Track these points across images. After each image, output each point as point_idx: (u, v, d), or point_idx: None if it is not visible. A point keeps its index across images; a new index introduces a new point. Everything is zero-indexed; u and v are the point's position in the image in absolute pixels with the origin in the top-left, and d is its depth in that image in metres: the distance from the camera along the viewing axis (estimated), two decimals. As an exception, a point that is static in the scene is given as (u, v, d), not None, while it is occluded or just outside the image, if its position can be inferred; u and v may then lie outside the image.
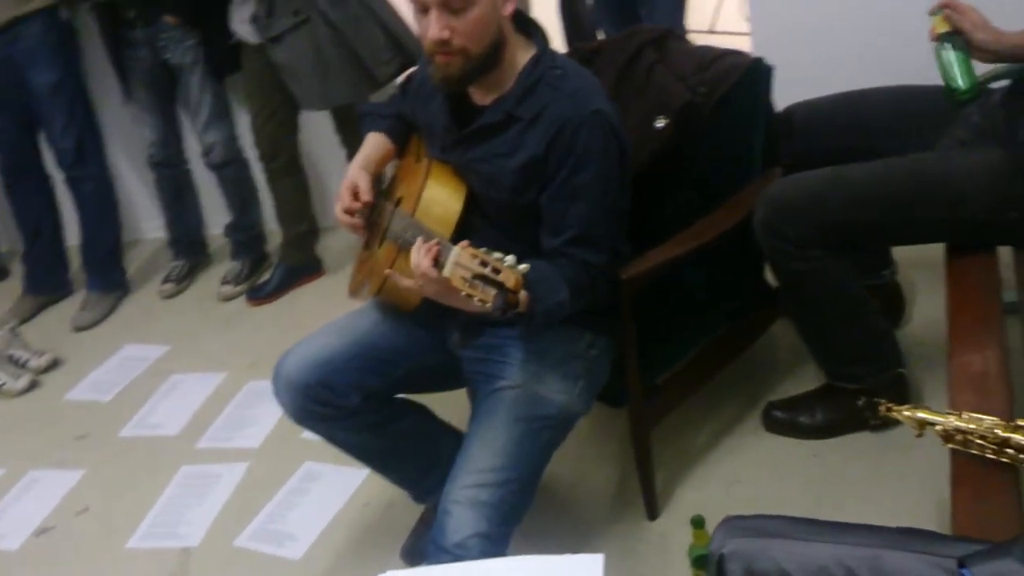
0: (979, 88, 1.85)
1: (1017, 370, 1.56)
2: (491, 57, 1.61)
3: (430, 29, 1.56)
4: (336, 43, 2.77)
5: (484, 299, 1.39)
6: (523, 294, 1.47)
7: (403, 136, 1.93)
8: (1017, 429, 1.34)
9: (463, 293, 1.41)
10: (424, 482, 1.99)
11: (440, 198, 1.72)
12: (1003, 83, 1.90)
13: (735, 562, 1.18)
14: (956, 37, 1.83)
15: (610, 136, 1.64)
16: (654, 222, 1.99)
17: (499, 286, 1.38)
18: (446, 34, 1.55)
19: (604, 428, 2.30)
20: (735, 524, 1.23)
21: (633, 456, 2.02)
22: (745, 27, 3.26)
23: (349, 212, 1.81)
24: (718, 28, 4.30)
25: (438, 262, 1.50)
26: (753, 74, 2.02)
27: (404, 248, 1.66)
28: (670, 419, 2.09)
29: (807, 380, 2.23)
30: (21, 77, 3.14)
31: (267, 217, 3.47)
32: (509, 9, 1.60)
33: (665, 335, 2.04)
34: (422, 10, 1.57)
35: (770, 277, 2.11)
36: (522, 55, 1.67)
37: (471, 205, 1.73)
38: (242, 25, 2.92)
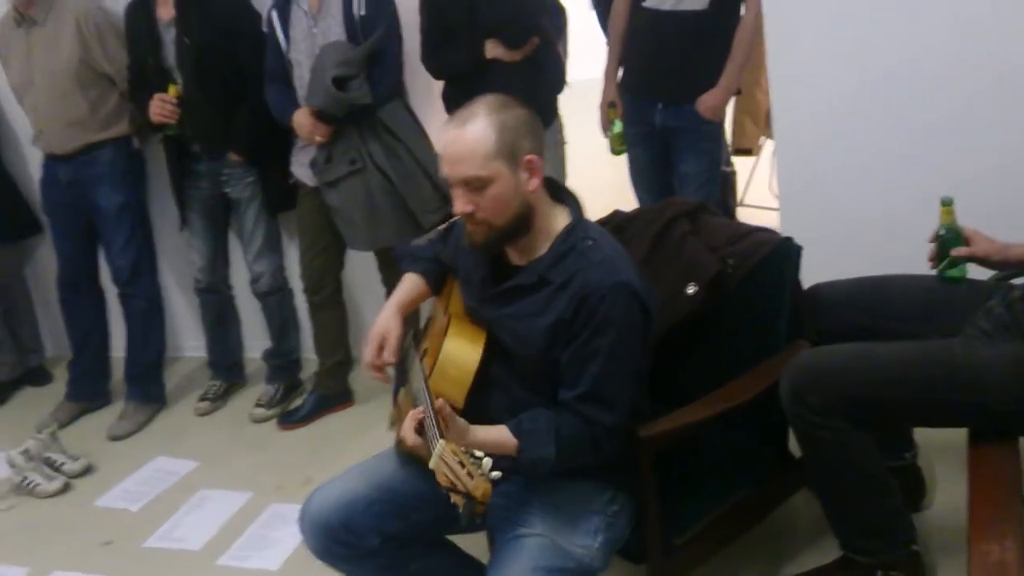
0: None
1: (1035, 563, 1.56)
2: (517, 227, 1.74)
3: (455, 203, 1.72)
4: (387, 192, 2.94)
5: (457, 502, 1.47)
6: (513, 441, 1.69)
7: (439, 278, 2.04)
8: (1030, 624, 1.35)
9: (442, 490, 1.49)
10: None
11: (456, 359, 1.80)
12: (1022, 280, 1.98)
13: None
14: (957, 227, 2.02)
15: (633, 304, 1.73)
16: (678, 383, 2.06)
17: (468, 496, 1.45)
18: (469, 208, 1.70)
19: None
20: None
21: (649, 616, 2.02)
22: (772, 202, 3.39)
23: (373, 367, 1.92)
24: (747, 201, 4.46)
25: (425, 438, 1.60)
26: (782, 251, 2.12)
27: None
28: (688, 581, 2.09)
29: (825, 552, 2.22)
30: (90, 197, 3.35)
31: (304, 346, 3.57)
32: (534, 185, 1.72)
33: (687, 495, 2.07)
34: (452, 185, 1.72)
35: (794, 446, 2.15)
36: (557, 221, 1.78)
37: (493, 357, 1.81)
38: (301, 168, 3.10)
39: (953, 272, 2.03)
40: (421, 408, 1.66)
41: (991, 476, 1.80)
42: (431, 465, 1.52)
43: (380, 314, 1.98)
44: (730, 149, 4.06)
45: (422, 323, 2.19)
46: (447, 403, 1.64)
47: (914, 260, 2.12)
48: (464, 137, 1.67)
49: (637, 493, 1.90)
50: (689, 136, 3.02)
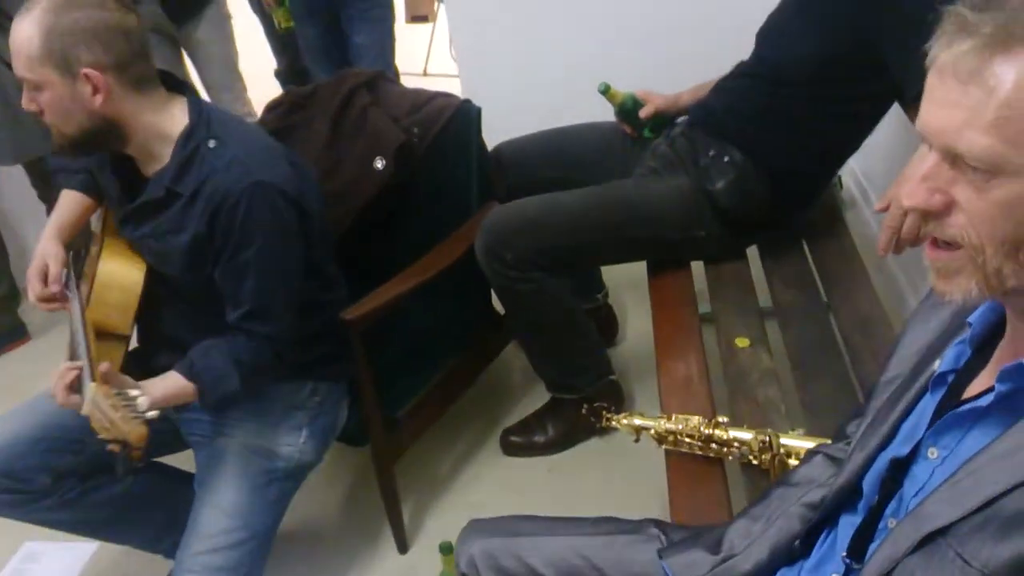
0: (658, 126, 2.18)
1: (715, 373, 1.73)
2: (93, 138, 1.53)
3: (23, 97, 1.51)
4: (25, 91, 2.58)
5: (114, 450, 1.38)
6: (190, 387, 1.56)
7: (99, 190, 1.82)
8: (718, 426, 1.50)
9: (98, 436, 1.38)
10: (167, 541, 1.89)
11: (116, 281, 1.64)
12: (683, 118, 2.13)
13: (482, 561, 1.25)
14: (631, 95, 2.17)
15: (276, 202, 1.56)
16: (381, 259, 2.03)
17: (123, 443, 1.36)
18: (33, 107, 1.51)
19: (347, 467, 2.30)
20: (478, 526, 1.30)
21: (379, 492, 2.04)
22: (455, 69, 3.41)
23: (42, 299, 1.71)
24: (431, 71, 4.45)
25: (80, 391, 1.45)
26: (463, 114, 2.12)
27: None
28: (412, 451, 2.12)
29: (536, 399, 2.35)
30: None
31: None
32: (98, 102, 1.48)
33: (400, 369, 2.08)
34: None
35: (497, 304, 2.21)
36: (178, 121, 1.58)
37: (156, 276, 1.67)
38: (-89, 76, 2.64)
39: (648, 132, 2.18)
40: (79, 364, 1.47)
41: (670, 301, 1.96)
42: (84, 411, 1.38)
43: (40, 241, 1.75)
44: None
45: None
46: (114, 332, 1.53)
47: (589, 110, 2.22)
48: (15, 32, 1.45)
49: (345, 378, 1.87)
50: (357, 5, 2.91)
